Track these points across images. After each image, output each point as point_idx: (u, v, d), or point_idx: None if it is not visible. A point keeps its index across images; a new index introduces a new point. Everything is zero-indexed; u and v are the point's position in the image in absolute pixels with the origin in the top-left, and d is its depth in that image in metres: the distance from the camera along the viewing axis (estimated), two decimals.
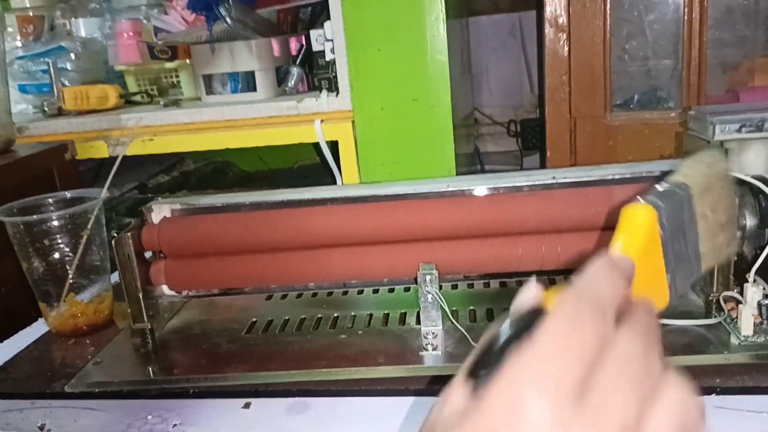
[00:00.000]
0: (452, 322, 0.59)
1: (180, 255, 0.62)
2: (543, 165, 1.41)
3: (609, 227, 0.60)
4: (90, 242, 0.67)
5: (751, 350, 0.53)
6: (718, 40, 1.17)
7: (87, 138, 1.00)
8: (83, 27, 1.22)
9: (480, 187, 0.62)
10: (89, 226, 0.67)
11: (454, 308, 0.62)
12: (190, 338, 0.63)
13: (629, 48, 1.20)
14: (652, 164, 0.62)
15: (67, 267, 0.67)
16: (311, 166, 1.35)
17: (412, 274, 0.59)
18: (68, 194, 0.71)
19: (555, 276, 0.67)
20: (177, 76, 1.11)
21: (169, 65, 1.09)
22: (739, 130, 0.69)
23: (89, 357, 0.62)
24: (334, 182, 0.99)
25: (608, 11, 1.14)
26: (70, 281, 0.67)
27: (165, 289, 0.63)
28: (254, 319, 0.65)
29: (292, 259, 0.62)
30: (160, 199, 0.64)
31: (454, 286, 0.68)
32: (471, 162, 1.56)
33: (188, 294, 0.65)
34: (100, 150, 0.98)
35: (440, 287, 0.57)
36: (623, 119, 1.16)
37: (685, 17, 1.13)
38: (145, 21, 1.11)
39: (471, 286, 0.68)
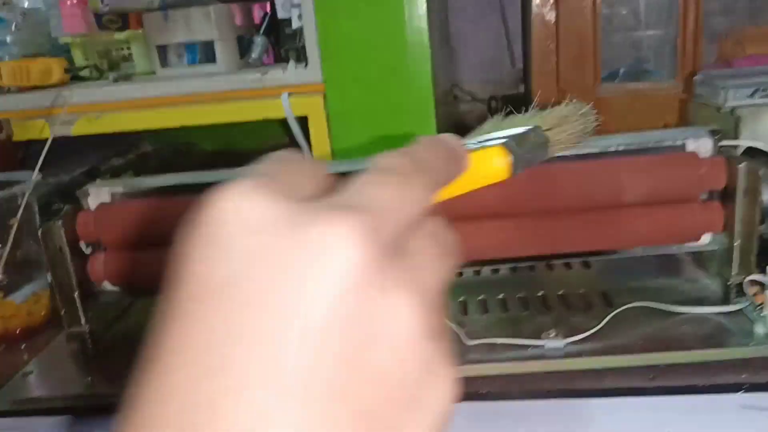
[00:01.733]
0: None
1: (123, 246, 0.54)
2: None
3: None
4: (21, 233, 0.59)
5: None
6: (710, 8, 1.12)
7: (27, 117, 0.91)
8: None
9: None
10: (18, 215, 0.58)
11: None
12: (138, 342, 0.55)
13: (620, 16, 1.14)
14: (654, 134, 0.55)
15: None
16: (282, 145, 1.26)
17: None
18: None
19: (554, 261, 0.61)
20: (129, 49, 1.02)
21: (119, 36, 0.99)
22: (752, 96, 0.62)
23: (21, 366, 0.54)
24: None
25: None
26: None
27: (107, 285, 0.55)
28: None
29: None
30: (98, 181, 0.55)
31: None
32: None
33: (136, 291, 0.56)
34: (40, 130, 0.88)
35: None
36: (614, 91, 1.10)
37: None
38: None
39: (460, 274, 0.61)
